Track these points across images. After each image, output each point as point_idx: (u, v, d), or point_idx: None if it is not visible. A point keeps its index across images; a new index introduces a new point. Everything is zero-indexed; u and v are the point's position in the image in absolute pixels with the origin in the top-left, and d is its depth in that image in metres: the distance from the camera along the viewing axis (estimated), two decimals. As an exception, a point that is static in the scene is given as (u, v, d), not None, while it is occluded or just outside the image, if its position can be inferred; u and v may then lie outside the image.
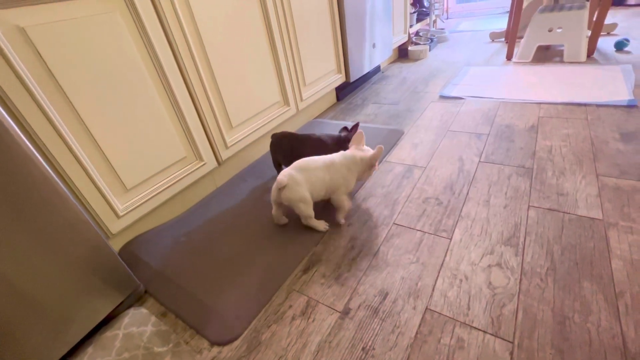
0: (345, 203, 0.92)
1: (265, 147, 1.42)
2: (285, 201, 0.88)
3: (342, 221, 0.94)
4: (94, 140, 0.80)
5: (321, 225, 0.92)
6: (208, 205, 1.12)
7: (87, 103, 0.77)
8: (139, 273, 0.88)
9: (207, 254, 0.91)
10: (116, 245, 0.95)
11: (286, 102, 1.39)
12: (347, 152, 0.94)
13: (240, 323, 0.71)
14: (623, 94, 1.37)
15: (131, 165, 0.89)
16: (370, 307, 0.70)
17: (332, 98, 1.87)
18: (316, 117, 1.73)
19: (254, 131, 1.25)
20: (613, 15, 2.60)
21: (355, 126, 1.10)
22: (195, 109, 1.02)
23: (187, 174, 1.03)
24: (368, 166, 0.92)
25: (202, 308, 0.75)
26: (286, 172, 0.87)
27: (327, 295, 0.74)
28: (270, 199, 0.96)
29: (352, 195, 1.05)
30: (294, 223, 0.97)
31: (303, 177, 0.86)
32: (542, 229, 0.81)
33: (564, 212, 0.85)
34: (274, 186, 0.88)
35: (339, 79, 1.74)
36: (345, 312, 0.70)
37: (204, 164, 1.07)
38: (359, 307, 0.70)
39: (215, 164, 1.13)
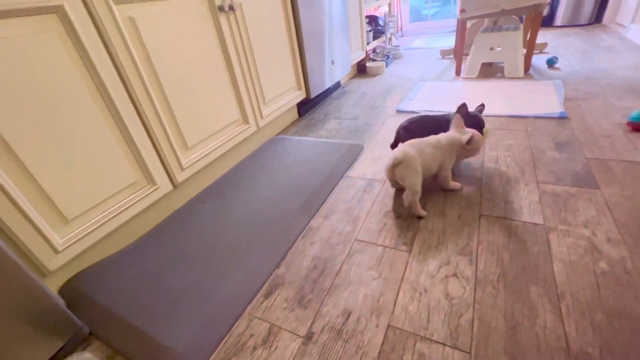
0: (449, 177, 1.03)
1: (224, 166, 1.38)
2: (399, 177, 0.95)
3: (458, 185, 1.05)
4: (25, 168, 0.73)
5: (422, 212, 0.96)
6: (163, 231, 1.06)
7: (16, 128, 0.70)
8: (83, 312, 0.80)
9: (161, 286, 0.85)
10: (56, 282, 0.86)
11: (245, 120, 1.37)
12: (450, 133, 1.05)
13: (198, 359, 0.66)
14: (555, 107, 1.52)
15: (72, 195, 0.81)
16: (333, 329, 0.69)
17: (294, 114, 1.88)
18: (278, 134, 1.72)
19: (212, 151, 1.21)
20: (544, 36, 2.91)
21: (481, 106, 1.19)
22: (146, 131, 0.97)
23: (139, 200, 0.97)
24: (463, 148, 1.01)
25: (155, 347, 0.70)
26: (400, 148, 0.96)
27: (290, 320, 0.72)
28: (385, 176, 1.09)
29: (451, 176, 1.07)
30: (255, 244, 0.94)
31: (416, 153, 0.95)
32: (492, 236, 0.86)
33: (510, 220, 0.90)
34: (389, 164, 0.96)
35: (300, 95, 1.76)
36: (309, 337, 0.68)
37: (157, 188, 1.02)
38: (322, 329, 0.69)
39: (170, 187, 1.07)
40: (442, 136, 1.04)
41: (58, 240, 0.80)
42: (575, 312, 0.65)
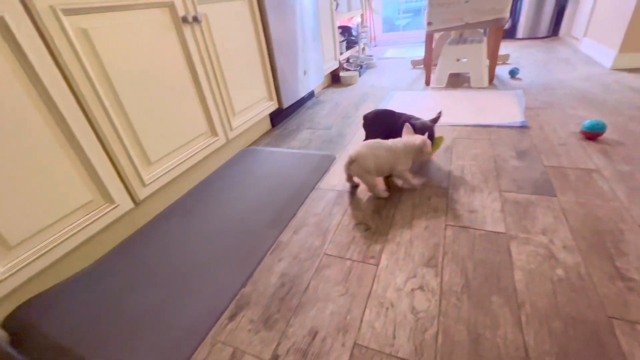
0: (407, 175, 1.11)
1: (192, 181, 1.33)
2: (354, 174, 1.09)
3: (415, 181, 1.15)
4: (-40, 193, 0.67)
5: (383, 193, 1.10)
6: (124, 252, 1.00)
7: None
8: (29, 346, 0.74)
9: (119, 311, 0.80)
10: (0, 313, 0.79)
11: (214, 132, 1.34)
12: (405, 138, 1.12)
13: (154, 392, 0.62)
14: (517, 116, 1.59)
15: (14, 218, 0.75)
16: (299, 350, 0.67)
17: (267, 124, 1.86)
18: (250, 145, 1.70)
19: (178, 165, 1.17)
20: (506, 47, 3.06)
21: (439, 114, 1.28)
22: (103, 147, 0.92)
23: (95, 220, 0.91)
24: (418, 153, 1.10)
25: (107, 381, 0.65)
26: (356, 148, 1.07)
27: (255, 343, 0.69)
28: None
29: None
30: (221, 262, 0.91)
31: (370, 153, 1.05)
32: (458, 247, 0.87)
33: (474, 229, 0.92)
34: (346, 161, 1.08)
35: (272, 106, 1.75)
36: (273, 360, 0.66)
37: (116, 207, 0.96)
38: (287, 352, 0.67)
39: (131, 204, 1.02)
40: (398, 140, 1.12)
41: (-1, 269, 0.73)
42: (534, 321, 0.66)
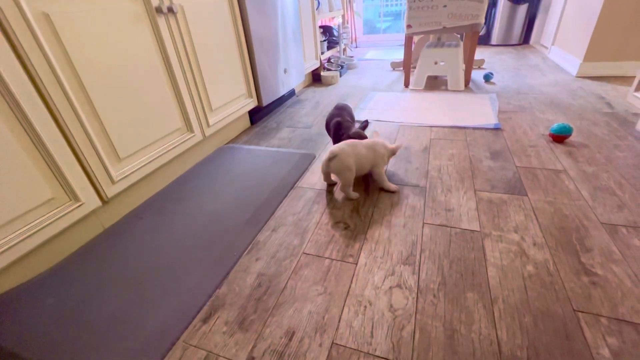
0: (384, 176, 1.13)
1: (166, 178, 1.28)
2: (334, 170, 1.08)
3: (392, 187, 1.13)
4: None
5: (353, 194, 1.10)
6: (90, 253, 0.94)
7: None
8: (-21, 356, 0.67)
9: (83, 317, 0.75)
10: (-56, 322, 0.72)
11: (189, 128, 1.29)
12: (379, 140, 1.16)
13: (119, 402, 0.58)
14: (491, 119, 1.64)
15: (-36, 216, 0.69)
16: (275, 352, 0.65)
17: (246, 122, 1.82)
18: (228, 142, 1.65)
19: (151, 161, 1.12)
20: (481, 53, 3.18)
21: (366, 122, 1.39)
22: (67, 141, 0.86)
23: (57, 218, 0.85)
24: (391, 154, 1.16)
25: (67, 391, 0.60)
26: (338, 145, 1.08)
27: (229, 346, 0.67)
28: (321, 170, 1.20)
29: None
30: (196, 263, 0.87)
31: (352, 151, 1.07)
32: (435, 245, 0.89)
33: (451, 227, 0.94)
34: (326, 157, 1.07)
35: (251, 103, 1.71)
36: (248, 363, 0.64)
37: (80, 205, 0.91)
38: (263, 354, 0.65)
39: (98, 202, 0.96)
40: (375, 142, 1.15)
41: (-56, 272, 0.67)
42: (506, 316, 0.68)
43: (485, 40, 3.55)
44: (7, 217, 0.76)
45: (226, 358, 0.65)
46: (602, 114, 1.60)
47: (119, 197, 1.08)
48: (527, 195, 1.05)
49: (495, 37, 3.45)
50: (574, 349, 0.61)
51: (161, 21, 1.10)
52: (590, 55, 2.15)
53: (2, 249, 0.75)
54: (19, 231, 0.79)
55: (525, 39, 3.43)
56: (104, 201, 0.99)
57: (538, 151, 1.31)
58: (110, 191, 0.98)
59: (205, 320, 0.73)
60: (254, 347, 0.66)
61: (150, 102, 1.09)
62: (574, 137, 1.40)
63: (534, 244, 0.86)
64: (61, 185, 0.87)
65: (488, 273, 0.78)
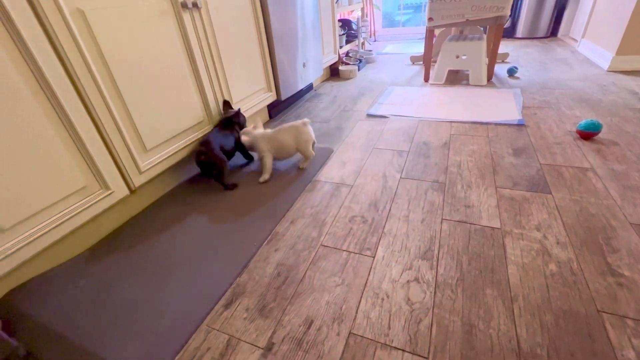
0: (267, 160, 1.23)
1: (188, 170, 1.32)
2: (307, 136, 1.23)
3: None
4: (-49, 173, 0.65)
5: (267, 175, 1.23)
6: (117, 239, 0.99)
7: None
8: (21, 331, 0.73)
9: (112, 299, 0.79)
10: (-10, 298, 0.78)
11: (210, 121, 1.32)
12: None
13: (148, 378, 0.62)
14: (514, 114, 1.60)
15: (7, 201, 0.74)
16: (294, 339, 0.67)
17: (265, 116, 1.84)
18: (247, 136, 1.68)
19: (174, 153, 1.16)
20: (506, 46, 3.07)
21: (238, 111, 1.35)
22: (98, 132, 0.91)
23: (89, 206, 0.90)
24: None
25: (100, 366, 0.64)
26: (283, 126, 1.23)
27: (250, 331, 0.70)
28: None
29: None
30: (217, 251, 0.90)
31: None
32: (453, 240, 0.88)
33: (470, 224, 0.93)
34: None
35: (270, 97, 1.73)
36: (268, 349, 0.66)
37: (110, 193, 0.95)
38: (282, 340, 0.67)
39: (126, 191, 1.01)
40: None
41: (-9, 252, 0.72)
42: (526, 314, 0.67)
43: (510, 33, 3.43)
44: (47, 203, 0.81)
45: (247, 342, 0.67)
46: (634, 111, 1.53)
47: (145, 187, 1.12)
48: (551, 193, 1.02)
49: (520, 29, 3.32)
50: (598, 349, 0.60)
51: (186, 16, 1.12)
52: (624, 48, 2.04)
53: (41, 233, 0.80)
54: (56, 217, 0.84)
55: (553, 31, 3.29)
56: (132, 190, 1.03)
57: (564, 148, 1.27)
58: (137, 181, 1.03)
59: (227, 306, 0.76)
60: (273, 333, 0.69)
61: (174, 96, 1.13)
62: (603, 134, 1.34)
63: (557, 243, 0.84)
64: (93, 174, 0.91)
65: (508, 270, 0.77)
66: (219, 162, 1.11)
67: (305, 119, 1.25)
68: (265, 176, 1.22)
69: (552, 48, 2.88)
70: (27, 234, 0.78)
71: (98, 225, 0.99)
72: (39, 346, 0.70)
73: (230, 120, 1.30)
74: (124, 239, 0.99)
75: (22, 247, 0.77)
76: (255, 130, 1.25)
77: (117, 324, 0.73)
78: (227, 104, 1.36)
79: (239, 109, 1.35)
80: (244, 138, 1.23)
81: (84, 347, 0.68)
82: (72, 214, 0.87)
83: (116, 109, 0.94)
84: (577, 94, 1.79)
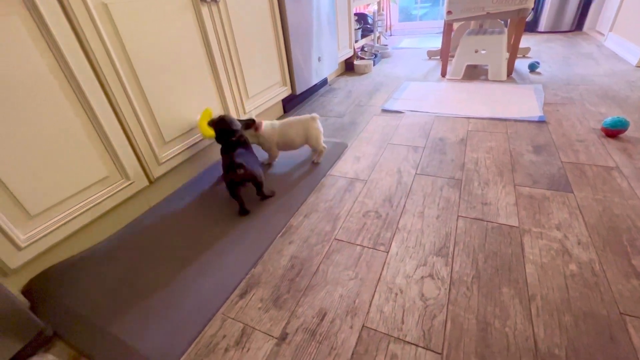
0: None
1: (205, 162, 1.34)
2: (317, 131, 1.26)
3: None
4: (-15, 161, 0.69)
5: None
6: (137, 228, 1.02)
7: (-27, 118, 0.66)
8: (47, 313, 0.77)
9: (132, 286, 0.82)
10: (19, 281, 0.82)
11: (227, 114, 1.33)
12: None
13: (166, 362, 0.64)
14: (535, 111, 1.55)
15: (36, 189, 0.77)
16: (307, 330, 0.68)
17: (279, 110, 1.85)
18: (262, 130, 1.69)
19: (192, 145, 1.18)
20: (527, 40, 2.97)
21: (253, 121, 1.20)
22: (120, 123, 0.93)
23: (110, 195, 0.93)
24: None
25: (122, 349, 0.67)
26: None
27: (264, 321, 0.71)
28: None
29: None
30: (233, 242, 0.92)
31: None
32: (469, 238, 0.87)
33: (487, 221, 0.92)
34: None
35: (285, 91, 1.74)
36: (282, 338, 0.67)
37: (131, 183, 0.98)
38: (296, 330, 0.68)
39: (146, 182, 1.03)
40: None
41: (20, 237, 0.76)
42: (544, 314, 0.66)
43: (532, 27, 3.31)
44: (72, 192, 0.84)
45: (261, 331, 0.69)
46: (665, 108, 1.46)
47: (163, 178, 1.15)
48: (572, 192, 0.99)
49: (543, 23, 3.20)
50: (619, 352, 0.58)
51: (204, 10, 1.14)
52: (655, 42, 1.94)
53: (67, 220, 0.84)
54: (81, 204, 0.87)
55: (579, 25, 3.16)
56: (151, 181, 1.06)
57: (587, 146, 1.22)
58: (156, 172, 1.05)
59: (242, 296, 0.77)
60: (287, 323, 0.70)
61: (192, 89, 1.15)
62: (630, 132, 1.28)
63: (579, 243, 0.81)
64: (114, 165, 0.94)
65: (526, 269, 0.76)
66: (257, 177, 1.01)
67: (314, 114, 1.25)
68: (271, 162, 1.30)
69: (576, 42, 2.77)
70: (53, 220, 0.82)
71: (118, 215, 1.02)
72: (64, 327, 0.73)
73: (240, 138, 1.09)
74: (143, 229, 1.02)
75: (48, 233, 0.81)
76: (262, 126, 1.22)
77: (137, 309, 0.75)
78: (222, 122, 1.08)
79: (240, 132, 1.11)
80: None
81: (106, 330, 0.71)
82: (95, 202, 0.90)
83: (137, 101, 0.97)
84: (603, 90, 1.72)
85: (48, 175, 0.79)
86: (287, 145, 1.26)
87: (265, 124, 1.24)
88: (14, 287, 0.81)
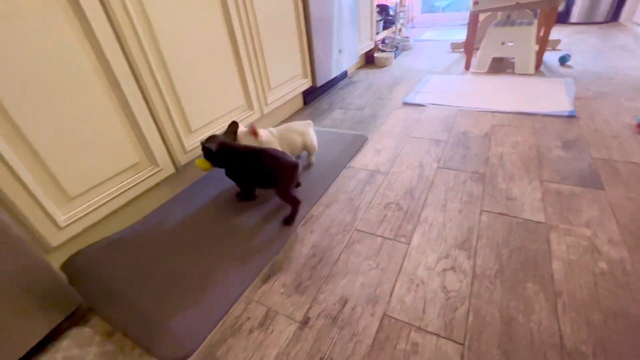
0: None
1: (228, 151, 1.37)
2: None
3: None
4: (31, 145, 0.73)
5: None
6: (164, 214, 1.06)
7: (20, 105, 0.70)
8: (84, 289, 0.81)
9: (161, 267, 0.86)
10: (59, 259, 0.87)
11: (250, 106, 1.36)
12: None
13: (194, 339, 0.67)
14: (565, 105, 1.49)
15: (75, 172, 0.82)
16: (329, 316, 0.69)
17: (299, 102, 1.86)
18: (282, 122, 1.71)
19: (216, 135, 1.21)
20: (557, 32, 2.84)
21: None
22: (150, 112, 0.97)
23: (141, 181, 0.97)
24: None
25: (152, 325, 0.71)
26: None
27: (287, 305, 0.73)
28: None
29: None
30: (256, 229, 0.94)
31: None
32: (493, 232, 0.86)
33: (512, 216, 0.90)
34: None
35: (306, 84, 1.74)
36: (305, 322, 0.69)
37: (159, 170, 1.02)
38: (318, 316, 0.70)
39: (172, 169, 1.07)
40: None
41: (61, 217, 0.81)
42: (571, 311, 0.65)
43: (563, 18, 3.16)
44: (107, 176, 0.89)
45: (284, 315, 0.71)
46: None
47: (188, 167, 1.19)
48: (604, 189, 0.96)
49: (576, 14, 3.05)
50: (650, 352, 0.57)
51: (230, 1, 1.15)
52: (700, 33, 1.81)
53: (102, 202, 0.88)
54: (115, 188, 0.92)
55: (614, 16, 2.98)
56: (177, 169, 1.10)
57: (621, 142, 1.17)
58: (183, 160, 1.09)
59: (265, 281, 0.80)
60: (309, 308, 0.72)
61: (217, 80, 1.17)
62: (668, 129, 1.22)
63: (609, 241, 0.79)
64: (144, 152, 0.98)
65: (552, 266, 0.74)
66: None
67: (309, 121, 1.23)
68: None
69: (611, 34, 2.63)
70: (90, 202, 0.86)
71: (146, 200, 1.07)
72: (99, 303, 0.78)
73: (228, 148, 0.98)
74: (170, 214, 1.06)
75: (86, 215, 0.85)
76: (262, 134, 1.15)
77: (166, 290, 0.79)
78: (203, 148, 0.96)
79: (223, 140, 0.99)
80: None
81: (138, 308, 0.75)
82: (127, 187, 0.94)
83: (166, 91, 1.00)
84: (639, 84, 1.63)
85: (86, 160, 0.84)
86: (290, 149, 1.21)
87: (263, 131, 1.17)
88: (55, 263, 0.86)
